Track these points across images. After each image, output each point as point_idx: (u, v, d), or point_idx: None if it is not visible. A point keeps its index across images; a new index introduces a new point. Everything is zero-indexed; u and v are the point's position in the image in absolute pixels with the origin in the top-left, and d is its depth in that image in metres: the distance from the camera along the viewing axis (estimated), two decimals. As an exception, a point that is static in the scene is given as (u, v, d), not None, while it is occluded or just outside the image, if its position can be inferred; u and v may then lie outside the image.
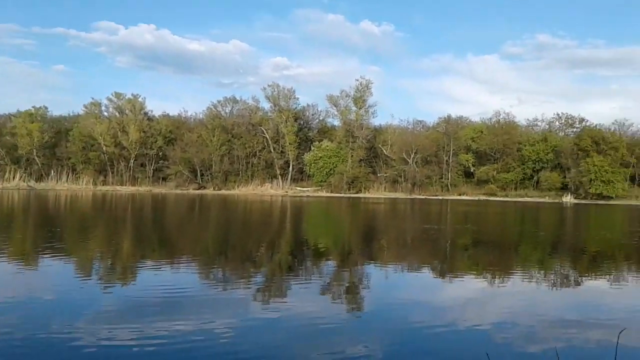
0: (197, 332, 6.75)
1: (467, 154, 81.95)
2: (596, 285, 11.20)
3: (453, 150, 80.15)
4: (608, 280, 11.77)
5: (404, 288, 10.58)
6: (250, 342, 6.49)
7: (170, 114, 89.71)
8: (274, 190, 75.99)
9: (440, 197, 72.01)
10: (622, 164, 75.48)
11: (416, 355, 6.23)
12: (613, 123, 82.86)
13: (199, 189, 76.88)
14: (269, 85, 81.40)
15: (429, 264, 13.92)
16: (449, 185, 79.90)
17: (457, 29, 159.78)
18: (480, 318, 7.92)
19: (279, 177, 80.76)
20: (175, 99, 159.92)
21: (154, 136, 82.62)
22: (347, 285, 10.77)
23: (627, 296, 10.11)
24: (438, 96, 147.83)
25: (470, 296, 9.83)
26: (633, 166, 76.74)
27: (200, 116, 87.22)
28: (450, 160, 79.93)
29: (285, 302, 8.87)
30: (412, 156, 78.64)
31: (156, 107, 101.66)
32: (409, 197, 70.94)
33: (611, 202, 67.87)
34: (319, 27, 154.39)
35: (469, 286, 10.83)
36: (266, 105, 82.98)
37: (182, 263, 12.84)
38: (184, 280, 10.37)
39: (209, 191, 75.23)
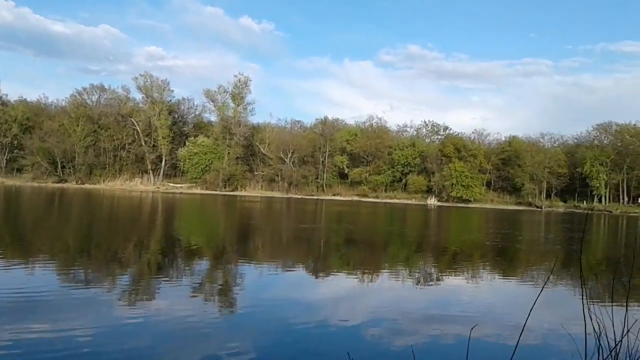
0: (52, 338, 6.02)
1: (342, 155, 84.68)
2: (456, 282, 11.96)
3: (329, 151, 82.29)
4: (466, 278, 12.64)
5: (278, 287, 10.47)
6: (113, 347, 5.92)
7: (29, 100, 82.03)
8: (145, 186, 72.42)
9: (316, 197, 73.55)
10: (480, 170, 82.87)
11: (286, 353, 6.10)
12: (473, 132, 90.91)
13: (59, 182, 70.82)
14: (141, 75, 77.49)
15: (303, 263, 13.98)
16: (324, 186, 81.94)
17: (335, 33, 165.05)
18: (350, 315, 8.02)
19: (150, 172, 77.19)
20: (36, 84, 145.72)
21: (8, 123, 74.80)
22: (219, 284, 10.40)
23: (483, 292, 10.91)
24: (316, 98, 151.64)
25: (341, 294, 9.98)
26: (489, 172, 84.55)
27: (63, 103, 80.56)
28: (326, 161, 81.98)
29: (153, 304, 8.30)
30: (289, 156, 79.40)
31: (12, 91, 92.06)
32: (285, 196, 71.49)
33: (470, 205, 74.07)
34: (197, 18, 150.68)
35: (341, 284, 11.00)
36: (138, 95, 78.94)
37: (37, 263, 11.51)
38: (38, 281, 9.29)
39: (71, 185, 69.65)
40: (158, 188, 71.32)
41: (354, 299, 9.55)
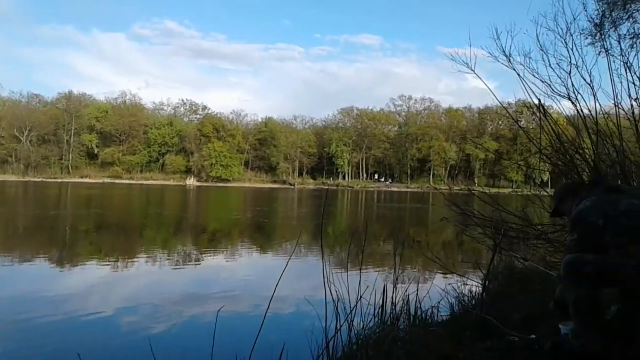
0: None
1: (90, 134, 77.93)
2: (215, 261, 12.04)
3: (75, 129, 74.91)
4: (225, 256, 12.84)
5: (12, 282, 9.05)
6: None
7: None
8: None
9: (60, 180, 66.35)
10: (239, 150, 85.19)
11: (37, 351, 5.30)
12: (231, 113, 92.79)
13: None
14: None
15: (45, 254, 12.40)
16: (70, 167, 74.56)
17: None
18: (103, 305, 7.38)
19: None
20: None
21: None
22: None
23: (241, 268, 11.21)
24: (61, 70, 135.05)
25: (94, 283, 9.14)
26: (247, 152, 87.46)
27: None
28: (72, 140, 74.53)
29: None
30: (25, 134, 69.76)
31: None
32: (22, 179, 62.81)
33: (229, 184, 75.66)
34: None
35: (93, 273, 10.09)
36: None
37: None
38: None
39: None
40: None
41: (108, 288, 8.83)
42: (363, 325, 3.80)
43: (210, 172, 78.36)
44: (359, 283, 3.74)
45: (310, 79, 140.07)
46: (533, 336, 3.41)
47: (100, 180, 69.63)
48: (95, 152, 78.93)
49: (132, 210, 27.70)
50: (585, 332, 2.90)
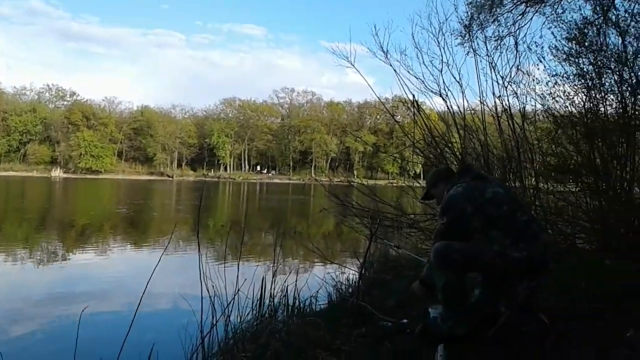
0: None
1: (-64, 119, 69.14)
2: (85, 257, 11.20)
3: None
4: (96, 252, 11.99)
5: None
6: None
7: None
8: None
9: None
10: (111, 139, 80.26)
11: None
12: (103, 100, 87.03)
13: None
14: None
15: None
16: None
17: None
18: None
19: None
20: None
21: None
22: None
23: (113, 264, 10.54)
24: None
25: None
26: (121, 142, 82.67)
27: None
28: None
29: None
30: None
31: None
32: None
33: (100, 176, 71.15)
34: None
35: None
36: None
37: None
38: None
39: None
40: None
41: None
42: (240, 319, 3.71)
43: (79, 163, 73.01)
44: (237, 276, 3.64)
45: (191, 68, 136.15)
46: (405, 320, 3.54)
47: (-51, 171, 62.08)
48: (-58, 139, 70.29)
49: (-13, 205, 24.96)
50: (452, 315, 3.06)
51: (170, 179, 78.00)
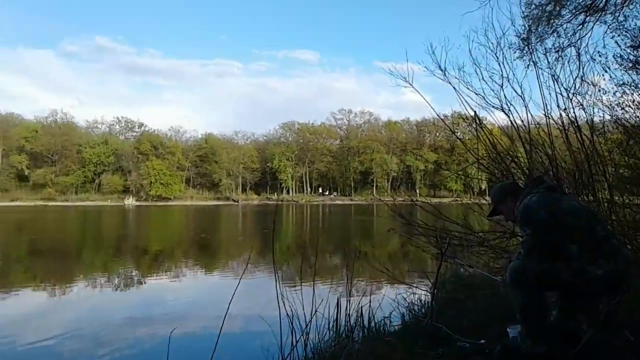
0: None
1: (20, 154, 74.23)
2: (159, 283, 11.69)
3: (3, 150, 71.08)
4: (169, 277, 12.49)
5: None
6: None
7: None
8: None
9: (-12, 205, 62.66)
10: (179, 167, 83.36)
11: None
12: (169, 129, 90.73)
13: None
14: None
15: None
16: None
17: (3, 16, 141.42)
18: (44, 332, 7.02)
19: None
20: None
21: None
22: None
23: (187, 288, 10.94)
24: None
25: (30, 311, 8.67)
26: (188, 169, 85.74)
27: None
28: (1, 162, 70.64)
29: None
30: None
31: None
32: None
33: (170, 203, 73.75)
34: None
35: (28, 300, 9.58)
36: None
37: None
38: None
39: None
40: None
41: (46, 316, 8.40)
42: (319, 339, 3.80)
43: (150, 191, 76.13)
44: (313, 297, 3.75)
45: (250, 94, 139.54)
46: (482, 341, 3.52)
47: (33, 203, 66.23)
48: (26, 173, 75.16)
49: (68, 234, 26.49)
50: (531, 334, 3.03)
51: (236, 203, 79.80)
